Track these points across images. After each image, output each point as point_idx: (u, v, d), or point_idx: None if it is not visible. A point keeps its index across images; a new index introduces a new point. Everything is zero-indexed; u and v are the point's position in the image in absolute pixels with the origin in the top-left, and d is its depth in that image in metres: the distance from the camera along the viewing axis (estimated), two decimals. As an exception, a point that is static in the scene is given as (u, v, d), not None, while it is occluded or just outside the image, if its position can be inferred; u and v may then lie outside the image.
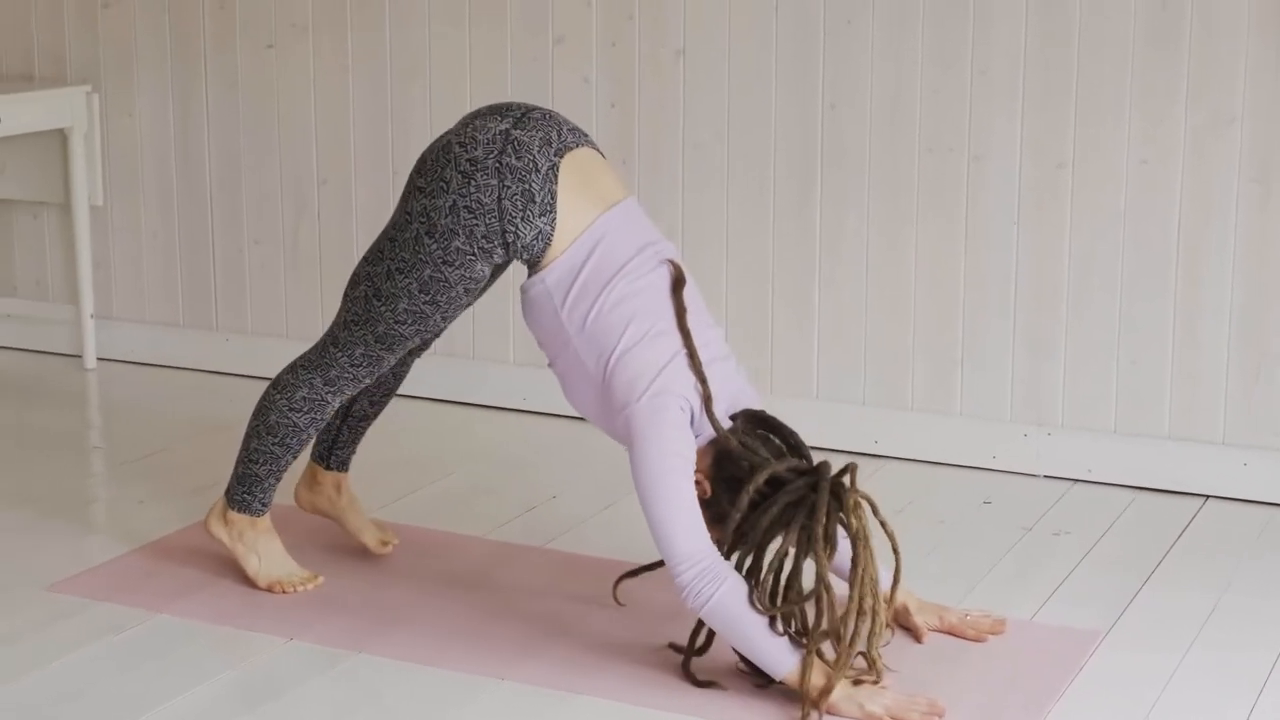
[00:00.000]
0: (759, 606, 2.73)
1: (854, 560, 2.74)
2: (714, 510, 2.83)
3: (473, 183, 2.88)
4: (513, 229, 2.88)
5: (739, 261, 4.07)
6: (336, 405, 3.11)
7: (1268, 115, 3.59)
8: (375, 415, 3.34)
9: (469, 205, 2.89)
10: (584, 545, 3.47)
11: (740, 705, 2.78)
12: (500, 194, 2.88)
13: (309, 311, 4.54)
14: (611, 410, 2.87)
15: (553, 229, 2.89)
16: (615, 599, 3.08)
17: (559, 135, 2.95)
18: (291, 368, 3.13)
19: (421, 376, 4.04)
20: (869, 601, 2.72)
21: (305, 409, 3.10)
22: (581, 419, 4.11)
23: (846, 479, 2.79)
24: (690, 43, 4.03)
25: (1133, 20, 3.65)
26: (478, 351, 4.33)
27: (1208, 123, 3.64)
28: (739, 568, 2.79)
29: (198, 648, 3.00)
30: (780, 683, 2.77)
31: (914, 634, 3.00)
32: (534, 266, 2.94)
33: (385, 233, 3.00)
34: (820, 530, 2.72)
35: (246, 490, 3.18)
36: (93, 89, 4.65)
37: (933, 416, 3.95)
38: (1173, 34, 3.63)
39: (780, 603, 2.75)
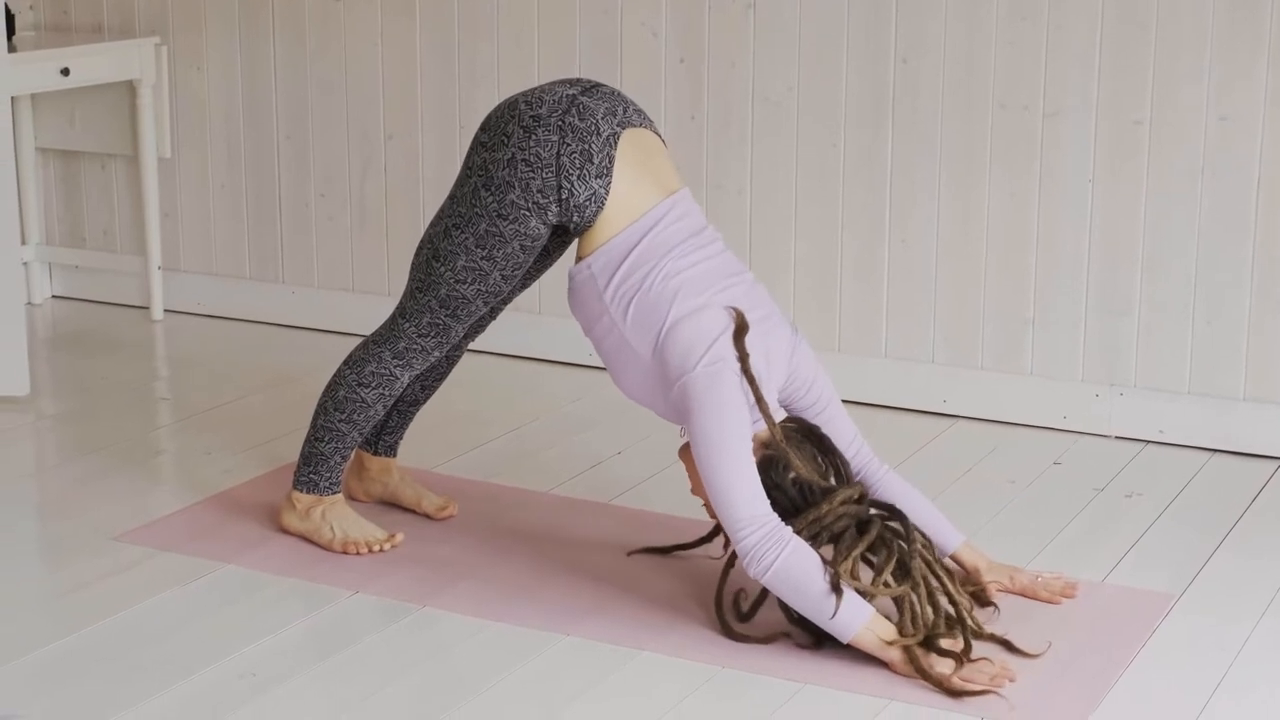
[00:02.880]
0: (848, 580, 2.71)
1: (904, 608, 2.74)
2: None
3: (533, 137, 2.88)
4: (568, 185, 2.87)
5: (808, 218, 4.03)
6: (405, 380, 3.10)
7: (1351, 71, 3.52)
8: (424, 401, 3.33)
9: (527, 159, 2.88)
10: (647, 502, 3.45)
11: (805, 660, 2.76)
12: (560, 150, 2.87)
13: (374, 265, 4.53)
14: (665, 384, 2.85)
15: (607, 193, 2.88)
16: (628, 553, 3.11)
17: (624, 110, 2.95)
18: (363, 343, 3.13)
19: (488, 331, 4.02)
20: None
21: (374, 384, 3.09)
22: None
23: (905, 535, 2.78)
24: (761, -4, 3.99)
25: (1214, -26, 3.58)
26: (544, 307, 4.31)
27: (1289, 79, 3.57)
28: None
29: (264, 599, 3.01)
30: (832, 640, 2.75)
31: (984, 594, 2.97)
32: (584, 243, 2.92)
33: (449, 194, 3.00)
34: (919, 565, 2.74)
35: (313, 470, 3.18)
36: (161, 41, 4.65)
37: (1003, 376, 3.90)
38: (1255, -12, 3.56)
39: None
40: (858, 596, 2.73)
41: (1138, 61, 3.67)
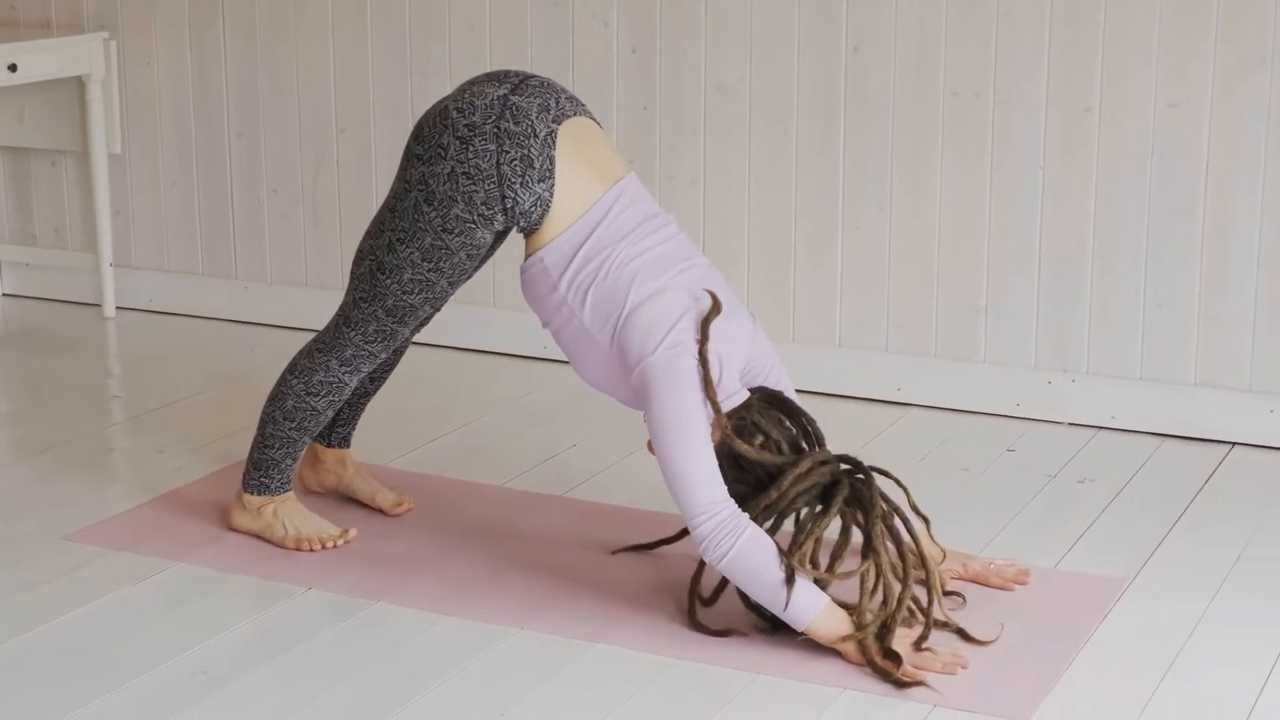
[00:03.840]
0: (805, 569, 2.71)
1: (870, 550, 2.74)
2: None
3: (470, 148, 2.85)
4: (512, 194, 2.85)
5: (761, 208, 4.03)
6: (354, 385, 3.09)
7: (1298, 57, 3.54)
8: (374, 393, 3.32)
9: (467, 171, 2.86)
10: (603, 494, 3.45)
11: (758, 651, 2.76)
12: (499, 159, 2.85)
13: (328, 260, 4.51)
14: (625, 369, 2.84)
15: (551, 195, 2.87)
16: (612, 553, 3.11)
17: (556, 103, 2.92)
18: (307, 352, 3.10)
19: (441, 325, 4.02)
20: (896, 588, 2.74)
21: (323, 392, 3.08)
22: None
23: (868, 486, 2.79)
24: (711, -14, 3.99)
25: (1160, -40, 3.60)
26: (498, 300, 4.30)
27: (1237, 64, 3.58)
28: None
29: (216, 597, 2.99)
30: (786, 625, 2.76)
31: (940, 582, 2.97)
32: (532, 240, 2.91)
33: (385, 203, 2.98)
34: (878, 525, 2.73)
35: (264, 474, 3.16)
36: (110, 36, 4.62)
37: (956, 364, 3.91)
38: (1201, -26, 3.57)
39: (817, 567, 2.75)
40: (813, 586, 2.73)
41: (1087, 49, 3.68)
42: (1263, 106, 3.57)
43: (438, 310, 3.17)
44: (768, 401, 2.85)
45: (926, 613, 2.74)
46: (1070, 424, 3.83)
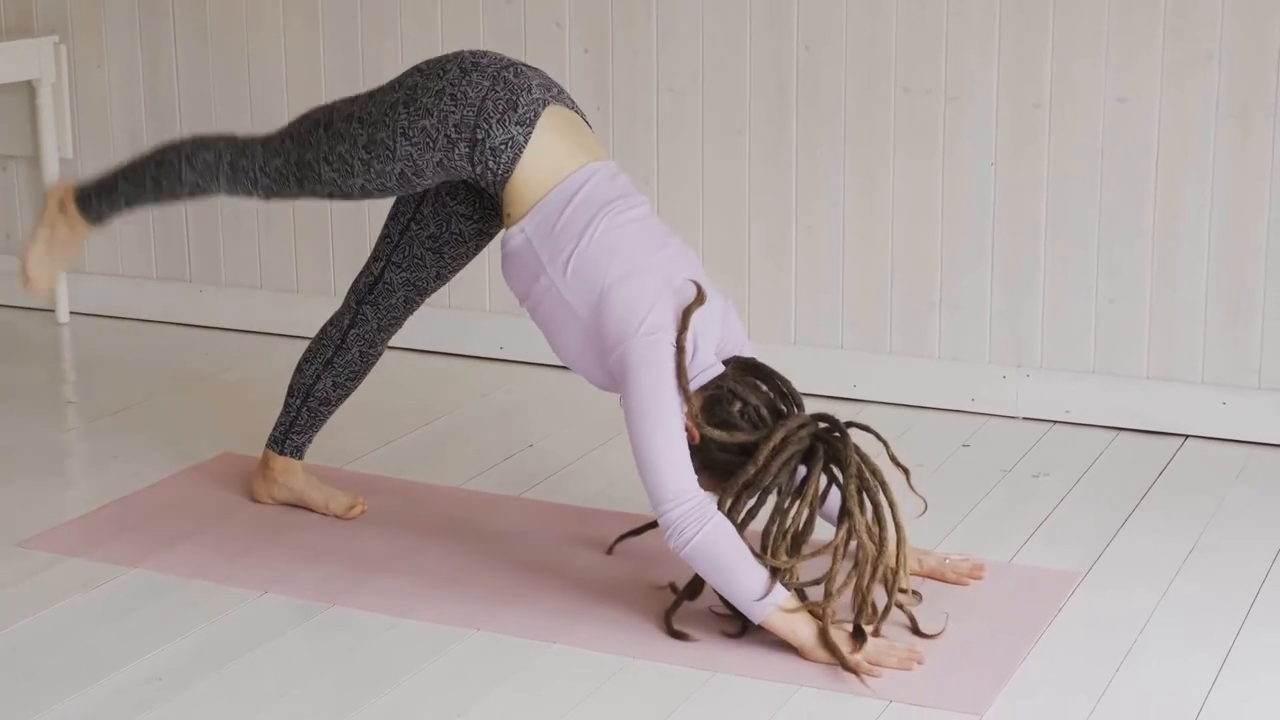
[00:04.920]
0: (767, 558, 2.72)
1: (844, 513, 2.75)
2: (702, 457, 2.82)
3: (468, 78, 2.92)
4: (485, 127, 2.89)
5: (715, 206, 4.03)
6: (215, 193, 3.09)
7: (1245, 51, 3.56)
8: (335, 402, 3.30)
9: (454, 94, 2.91)
10: (561, 494, 3.45)
11: (715, 650, 2.77)
12: (487, 94, 2.90)
13: (283, 263, 4.50)
14: (603, 350, 2.85)
15: (525, 142, 2.89)
16: (610, 551, 3.12)
17: (558, 91, 3.00)
18: (217, 135, 3.12)
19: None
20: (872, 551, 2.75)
21: (199, 170, 3.08)
22: (559, 367, 4.09)
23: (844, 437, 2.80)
24: (663, -15, 3.99)
25: (1109, -44, 3.62)
26: (454, 300, 4.30)
27: (1185, 59, 3.60)
28: (741, 513, 2.78)
29: (172, 602, 2.98)
30: (757, 628, 2.76)
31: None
32: (513, 209, 2.91)
33: (369, 90, 3.02)
34: (854, 483, 2.74)
35: (99, 197, 3.18)
36: (60, 39, 4.60)
37: (911, 359, 3.93)
38: (1149, -30, 3.59)
39: (791, 555, 2.75)
40: (772, 579, 2.73)
41: (1036, 45, 3.70)
42: (1211, 101, 3.60)
43: (409, 307, 3.20)
44: (742, 369, 2.88)
45: (890, 587, 2.75)
46: (1025, 418, 3.85)
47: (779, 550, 2.74)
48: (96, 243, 4.69)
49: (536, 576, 3.05)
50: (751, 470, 2.76)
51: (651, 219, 2.95)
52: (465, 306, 4.29)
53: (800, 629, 2.72)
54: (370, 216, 4.37)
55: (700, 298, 2.83)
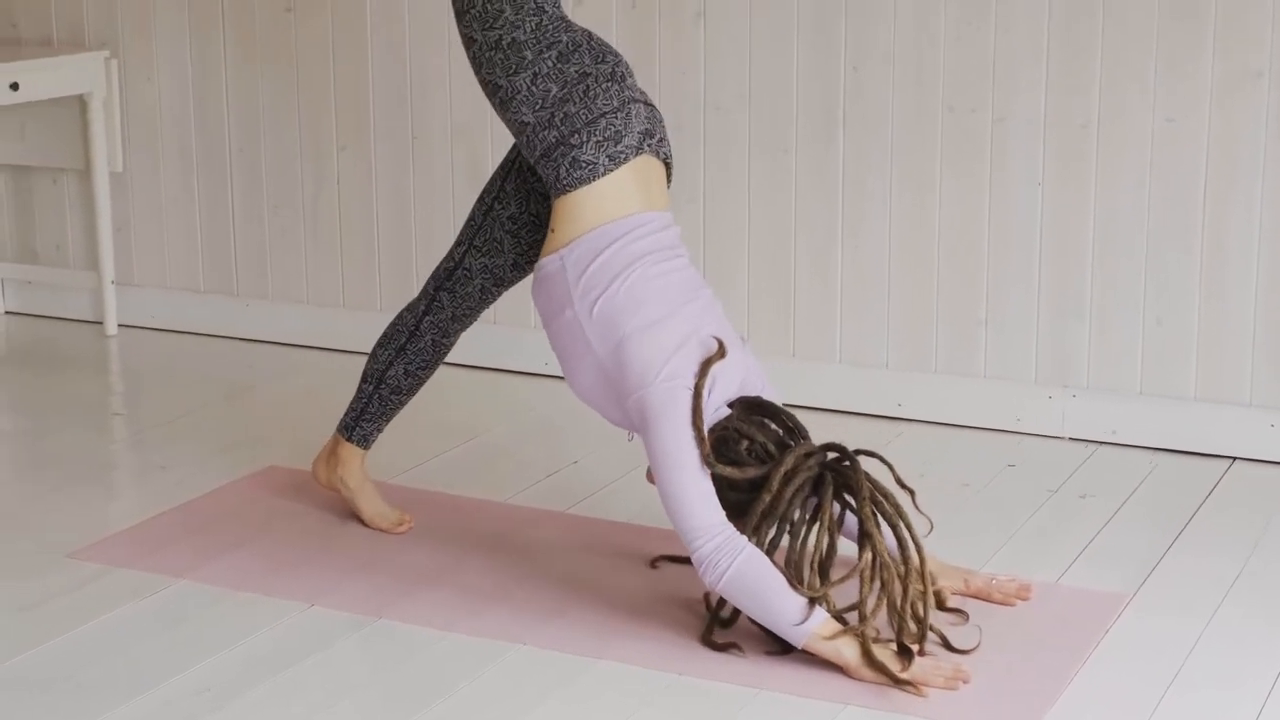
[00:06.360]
0: (802, 588, 2.74)
1: (864, 535, 2.76)
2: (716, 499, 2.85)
3: (607, 86, 2.98)
4: (583, 137, 2.94)
5: (761, 225, 4.04)
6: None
7: (1296, 72, 3.55)
8: (408, 392, 3.30)
9: (587, 89, 2.96)
10: (605, 510, 3.45)
11: (760, 667, 2.77)
12: (608, 113, 2.95)
13: (329, 277, 4.52)
14: (621, 392, 2.88)
15: (602, 175, 2.93)
16: (652, 565, 3.15)
17: (659, 139, 3.04)
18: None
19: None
20: (896, 572, 2.76)
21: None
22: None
23: (850, 464, 2.83)
24: (710, 4, 4.00)
25: (1158, -23, 3.61)
26: (499, 316, 4.31)
27: (1234, 78, 3.59)
28: (765, 544, 2.80)
29: (219, 614, 3.00)
30: (800, 650, 2.77)
31: (941, 598, 2.98)
32: (559, 230, 2.93)
33: (543, 14, 3.03)
34: (868, 507, 2.77)
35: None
36: (111, 54, 4.64)
37: (956, 379, 3.92)
38: (1199, -9, 3.59)
39: (822, 582, 2.76)
40: (809, 603, 2.74)
41: (1084, 65, 3.70)
42: (1260, 120, 3.58)
43: (485, 297, 3.24)
44: (747, 408, 2.91)
45: (922, 618, 2.75)
46: (1071, 439, 3.84)
47: (809, 578, 2.76)
48: (145, 257, 4.73)
49: (581, 592, 3.06)
50: (767, 498, 2.79)
51: (685, 272, 2.99)
52: (510, 322, 4.31)
53: (845, 649, 2.73)
54: (417, 233, 4.39)
55: (721, 352, 2.87)
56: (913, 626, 2.77)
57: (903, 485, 2.89)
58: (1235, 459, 3.71)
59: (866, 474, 2.83)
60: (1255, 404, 3.69)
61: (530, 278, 3.27)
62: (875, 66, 3.87)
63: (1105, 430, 3.81)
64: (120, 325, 4.74)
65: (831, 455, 2.85)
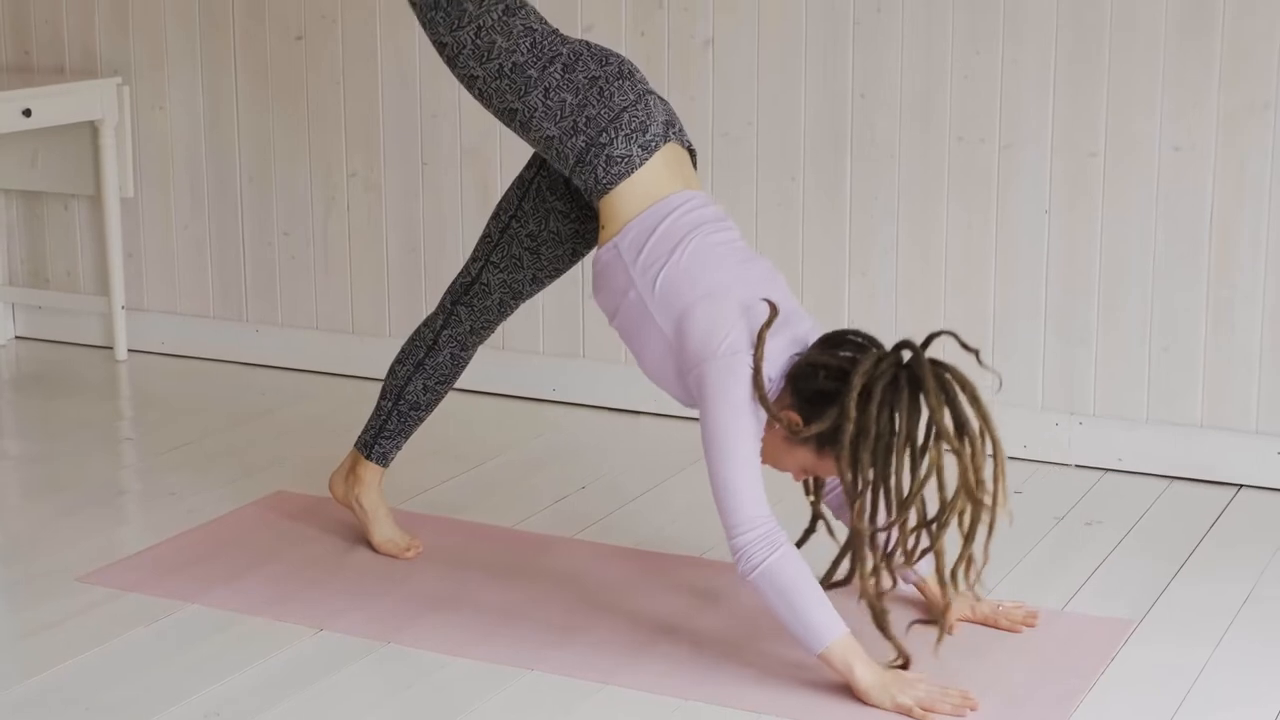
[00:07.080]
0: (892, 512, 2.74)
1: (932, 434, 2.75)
2: (818, 439, 2.79)
3: (619, 83, 2.99)
4: (611, 134, 2.95)
5: (768, 252, 4.05)
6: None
7: (1301, 102, 3.56)
8: (427, 408, 3.31)
9: (603, 90, 2.98)
10: (612, 536, 3.46)
11: (766, 690, 2.77)
12: (629, 107, 2.97)
13: (338, 303, 4.54)
14: (684, 367, 2.88)
15: (639, 165, 2.95)
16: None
17: (679, 129, 3.06)
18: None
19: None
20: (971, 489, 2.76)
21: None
22: (612, 409, 4.13)
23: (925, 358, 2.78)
24: (719, 32, 4.02)
25: (1164, 6, 3.62)
26: (508, 343, 4.33)
27: (1241, 108, 3.61)
28: (878, 476, 2.75)
29: (229, 638, 3.01)
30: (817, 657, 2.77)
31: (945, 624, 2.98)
32: (607, 222, 2.95)
33: (541, 30, 3.04)
34: (936, 397, 2.74)
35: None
36: (123, 81, 4.66)
37: (963, 406, 3.92)
38: (1205, 19, 3.60)
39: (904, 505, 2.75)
40: (835, 614, 2.74)
41: (1091, 94, 3.71)
42: (1267, 150, 3.60)
43: (516, 300, 3.23)
44: (818, 345, 2.86)
45: (977, 501, 2.75)
46: (1077, 466, 3.84)
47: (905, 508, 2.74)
48: (155, 282, 4.75)
49: (589, 617, 3.06)
50: (850, 428, 2.73)
51: (741, 242, 2.99)
52: (518, 349, 4.32)
53: (857, 667, 2.73)
54: (427, 259, 4.41)
55: (771, 317, 2.82)
56: (969, 557, 2.77)
57: (966, 348, 2.85)
58: (1241, 486, 3.72)
59: (932, 363, 2.76)
60: (1262, 431, 3.70)
61: (543, 291, 3.31)
62: (883, 94, 3.89)
63: (1112, 457, 3.82)
64: (130, 350, 4.76)
65: (905, 353, 2.78)
